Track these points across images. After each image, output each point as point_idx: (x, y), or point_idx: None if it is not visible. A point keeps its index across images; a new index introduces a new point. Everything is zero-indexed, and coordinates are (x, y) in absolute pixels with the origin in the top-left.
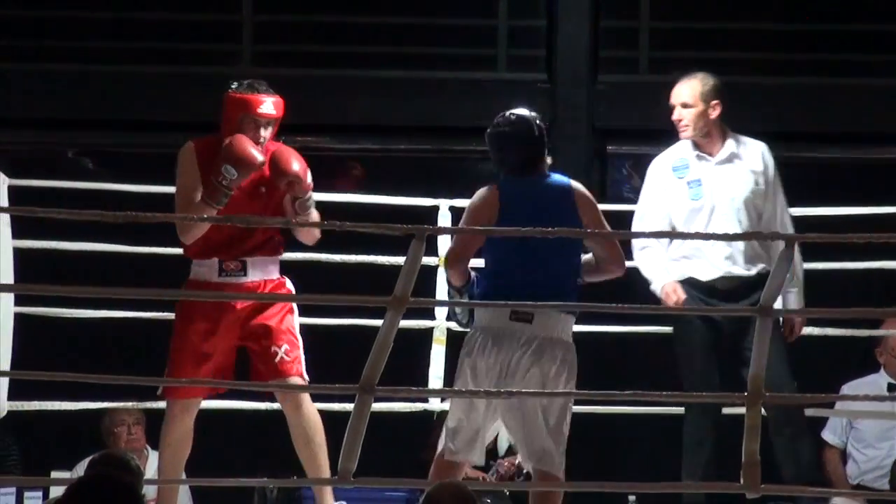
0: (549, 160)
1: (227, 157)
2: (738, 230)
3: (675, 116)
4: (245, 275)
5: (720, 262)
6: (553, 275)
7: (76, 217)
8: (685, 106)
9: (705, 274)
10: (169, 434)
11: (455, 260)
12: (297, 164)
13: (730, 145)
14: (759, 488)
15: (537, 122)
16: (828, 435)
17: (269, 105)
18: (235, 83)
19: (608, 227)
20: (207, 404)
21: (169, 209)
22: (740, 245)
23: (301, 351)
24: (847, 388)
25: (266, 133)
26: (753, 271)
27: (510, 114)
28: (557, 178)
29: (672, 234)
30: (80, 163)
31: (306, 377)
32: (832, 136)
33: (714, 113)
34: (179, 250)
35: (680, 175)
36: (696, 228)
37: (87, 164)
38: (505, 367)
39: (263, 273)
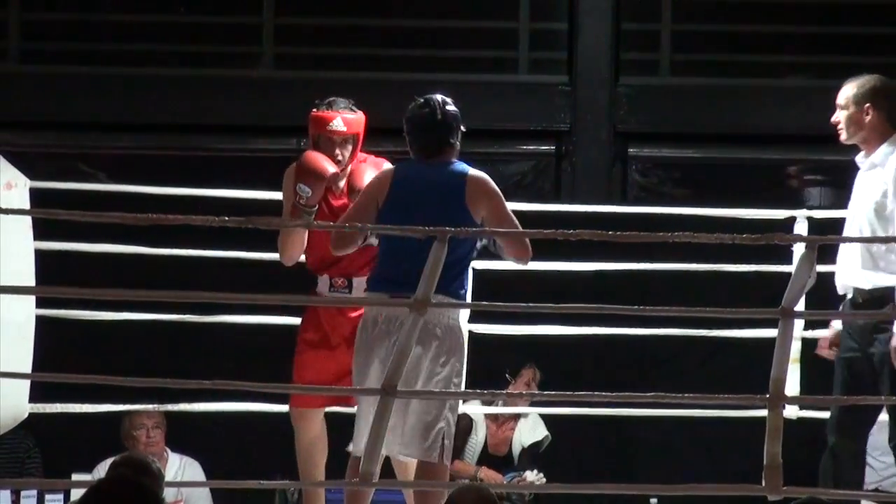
0: (456, 146)
1: (298, 175)
2: (857, 247)
3: (832, 118)
4: (349, 292)
5: (842, 276)
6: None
7: (97, 219)
8: (839, 108)
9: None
10: (296, 442)
11: (337, 239)
12: (367, 179)
13: (882, 151)
14: (781, 490)
15: (445, 107)
16: None
17: (339, 122)
18: (318, 101)
19: (510, 217)
20: (229, 406)
21: (190, 210)
22: (853, 258)
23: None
24: None
25: (344, 150)
26: (869, 286)
27: (419, 98)
28: (459, 166)
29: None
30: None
31: None
32: None
33: (868, 117)
34: (199, 251)
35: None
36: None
37: (101, 177)
38: (389, 351)
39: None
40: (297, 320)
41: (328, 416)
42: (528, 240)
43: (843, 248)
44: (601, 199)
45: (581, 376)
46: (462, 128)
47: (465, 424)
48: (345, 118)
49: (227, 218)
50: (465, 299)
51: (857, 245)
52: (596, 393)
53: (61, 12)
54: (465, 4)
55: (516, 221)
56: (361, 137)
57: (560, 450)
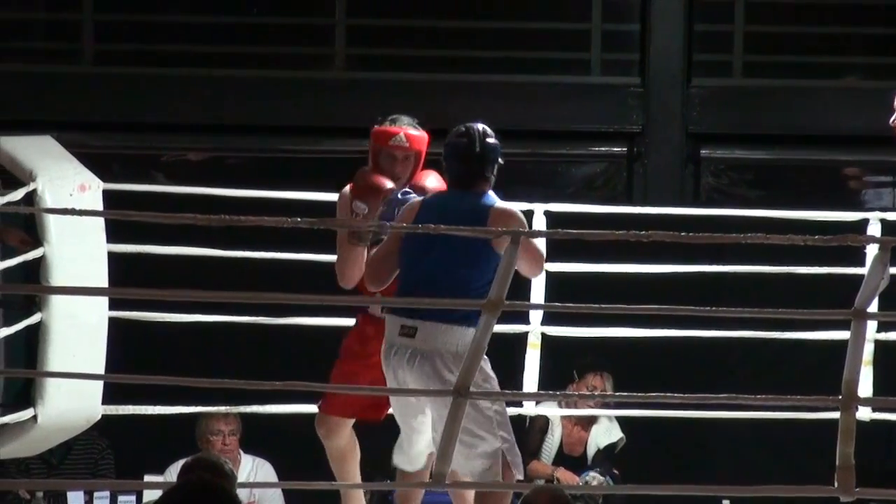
0: (491, 180)
1: (354, 192)
2: None
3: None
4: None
5: None
6: (454, 286)
7: (170, 221)
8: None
9: None
10: (327, 450)
11: (370, 274)
12: (430, 183)
13: None
14: (854, 492)
15: (485, 139)
16: None
17: (402, 137)
18: (381, 117)
19: (534, 246)
20: (301, 408)
21: (262, 212)
22: None
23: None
24: None
25: (405, 167)
26: None
27: (461, 126)
28: (486, 198)
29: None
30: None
31: None
32: None
33: None
34: (272, 254)
35: None
36: None
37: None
38: (402, 383)
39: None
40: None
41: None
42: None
43: None
44: (673, 201)
45: (653, 378)
46: (500, 160)
47: (541, 423)
48: (408, 134)
49: (299, 219)
50: (471, 325)
51: None
52: (669, 395)
53: (134, 13)
54: (537, 6)
55: (541, 250)
56: (423, 156)
57: (632, 452)
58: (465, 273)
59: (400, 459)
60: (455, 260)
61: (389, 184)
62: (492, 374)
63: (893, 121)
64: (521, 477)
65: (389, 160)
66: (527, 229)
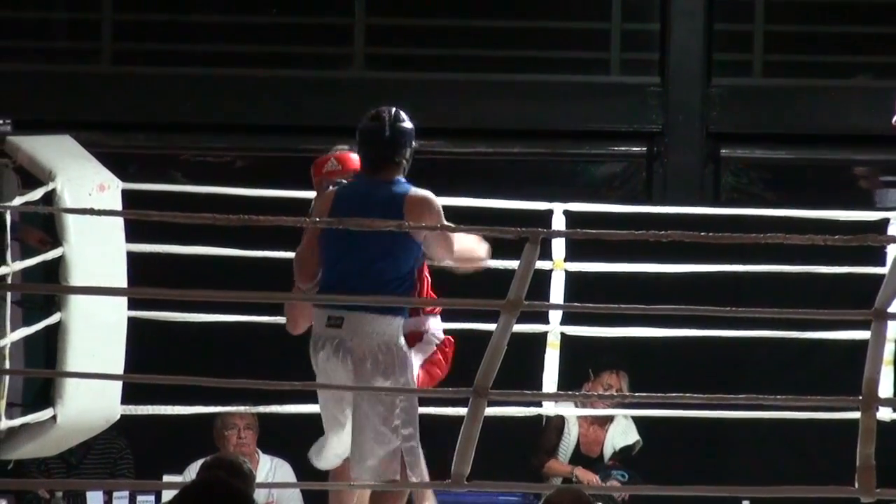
0: (402, 164)
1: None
2: None
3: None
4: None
5: None
6: (374, 276)
7: (189, 220)
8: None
9: None
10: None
11: (296, 269)
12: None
13: None
14: (874, 492)
15: (396, 123)
16: None
17: (332, 163)
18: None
19: (444, 234)
20: (318, 408)
21: (284, 212)
22: None
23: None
24: None
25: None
26: None
27: (373, 110)
28: (401, 185)
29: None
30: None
31: None
32: None
33: None
34: (290, 254)
35: None
36: None
37: (185, 178)
38: (330, 375)
39: None
40: None
41: (438, 418)
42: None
43: None
44: (693, 201)
45: (672, 378)
46: (413, 144)
47: (557, 422)
48: (339, 156)
49: (318, 219)
50: (406, 318)
51: None
52: (688, 395)
53: (153, 13)
54: (556, 5)
55: (461, 237)
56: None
57: (651, 452)
58: (382, 265)
59: (316, 459)
60: (373, 252)
61: None
62: (412, 367)
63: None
64: (416, 480)
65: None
66: (441, 213)
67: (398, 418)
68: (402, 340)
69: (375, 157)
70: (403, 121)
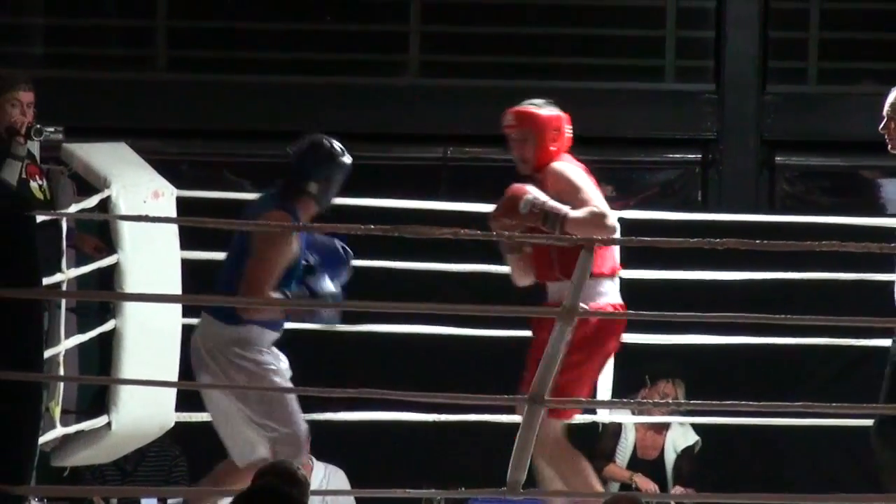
0: (304, 198)
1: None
2: None
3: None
4: (546, 296)
5: None
6: (224, 282)
7: (243, 228)
8: (887, 117)
9: None
10: (571, 452)
11: None
12: (503, 206)
13: None
14: None
15: (308, 153)
16: None
17: (507, 118)
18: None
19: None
20: (374, 415)
21: (334, 219)
22: None
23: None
24: None
25: (519, 148)
26: None
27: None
28: (270, 204)
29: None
30: (240, 185)
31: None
32: None
33: None
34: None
35: None
36: None
37: (245, 184)
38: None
39: (555, 297)
40: (436, 329)
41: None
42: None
43: None
44: (748, 208)
45: (725, 386)
46: (328, 179)
47: (614, 427)
48: (515, 111)
49: (372, 226)
50: (249, 324)
51: None
52: (743, 402)
53: (208, 20)
54: (612, 13)
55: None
56: (546, 134)
57: (705, 460)
58: (225, 269)
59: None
60: (230, 261)
61: (519, 189)
62: (265, 360)
63: (883, 127)
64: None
65: (510, 144)
66: (282, 249)
67: (273, 411)
68: (234, 347)
69: (284, 175)
70: (317, 151)
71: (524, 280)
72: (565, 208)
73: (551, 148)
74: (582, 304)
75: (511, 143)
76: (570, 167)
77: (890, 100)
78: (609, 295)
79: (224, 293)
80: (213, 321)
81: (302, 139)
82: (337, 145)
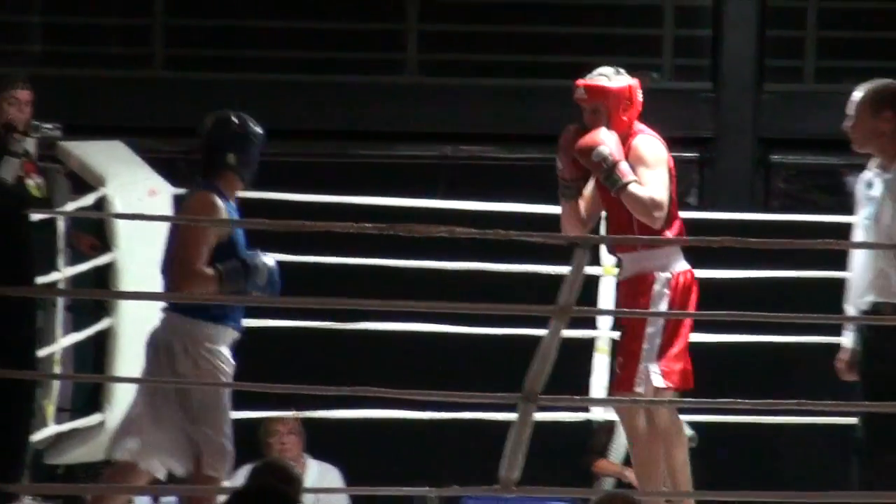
0: (224, 171)
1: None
2: (871, 259)
3: (843, 125)
4: (621, 273)
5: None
6: (162, 272)
7: (240, 226)
8: (850, 115)
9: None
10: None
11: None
12: (582, 142)
13: None
14: None
15: (213, 129)
16: None
17: (580, 91)
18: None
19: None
20: (368, 413)
21: (331, 218)
22: (864, 273)
23: (645, 363)
24: None
25: (592, 120)
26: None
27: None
28: (196, 188)
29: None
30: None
31: (641, 389)
32: None
33: (884, 124)
34: (339, 259)
35: (867, 189)
36: (858, 251)
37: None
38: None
39: (633, 270)
40: (431, 327)
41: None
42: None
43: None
44: (744, 207)
45: (722, 383)
46: (243, 149)
47: (607, 424)
48: (586, 84)
49: (367, 224)
50: (217, 321)
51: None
52: (736, 400)
53: (205, 18)
54: (610, 12)
55: (196, 251)
56: (619, 105)
57: (700, 456)
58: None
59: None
60: (167, 257)
61: (603, 138)
62: (226, 362)
63: (846, 125)
64: (214, 474)
65: (584, 114)
66: (216, 216)
67: (206, 414)
68: (206, 343)
69: (201, 159)
70: (228, 126)
71: (574, 229)
72: (632, 177)
73: (623, 118)
74: (663, 274)
75: (584, 116)
76: (653, 147)
77: (862, 98)
78: (683, 261)
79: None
80: (179, 316)
81: (208, 117)
82: (245, 116)
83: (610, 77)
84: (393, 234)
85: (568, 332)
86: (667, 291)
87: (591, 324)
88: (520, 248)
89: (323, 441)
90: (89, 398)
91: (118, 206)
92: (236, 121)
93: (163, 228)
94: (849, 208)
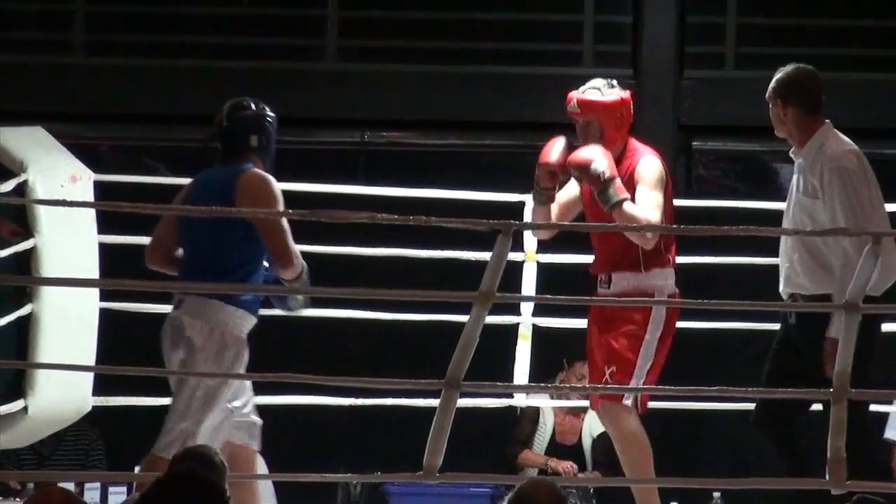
0: (247, 153)
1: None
2: (786, 244)
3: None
4: (608, 287)
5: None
6: (205, 256)
7: (162, 212)
8: (769, 102)
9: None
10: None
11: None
12: (579, 156)
13: (811, 147)
14: (846, 484)
15: (233, 112)
16: (890, 433)
17: (572, 105)
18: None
19: (279, 224)
20: (291, 399)
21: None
22: (782, 263)
23: (637, 380)
24: None
25: (585, 135)
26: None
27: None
28: (239, 167)
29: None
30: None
31: (629, 403)
32: None
33: (788, 111)
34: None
35: (795, 173)
36: (781, 240)
37: (160, 168)
38: (167, 356)
39: (631, 284)
40: (353, 313)
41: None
42: (294, 253)
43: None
44: None
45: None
46: (262, 131)
47: (532, 413)
48: (579, 100)
49: (289, 210)
50: (247, 308)
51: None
52: (660, 386)
53: (126, 4)
54: None
55: (286, 229)
56: (613, 119)
57: None
58: (218, 251)
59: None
60: (211, 238)
61: (550, 157)
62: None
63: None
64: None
65: (576, 129)
66: (278, 199)
67: (192, 405)
68: (236, 329)
69: (222, 147)
70: (246, 109)
71: (543, 233)
72: (626, 195)
73: (616, 132)
74: (659, 293)
75: (577, 130)
76: (656, 170)
77: (771, 85)
78: (672, 282)
79: (226, 278)
80: (208, 301)
81: (224, 106)
82: (259, 101)
83: (602, 90)
84: (314, 220)
85: (491, 319)
86: (663, 312)
87: (514, 310)
88: (441, 234)
89: None
90: (11, 384)
91: (39, 192)
92: (254, 105)
93: (85, 215)
94: (770, 195)
